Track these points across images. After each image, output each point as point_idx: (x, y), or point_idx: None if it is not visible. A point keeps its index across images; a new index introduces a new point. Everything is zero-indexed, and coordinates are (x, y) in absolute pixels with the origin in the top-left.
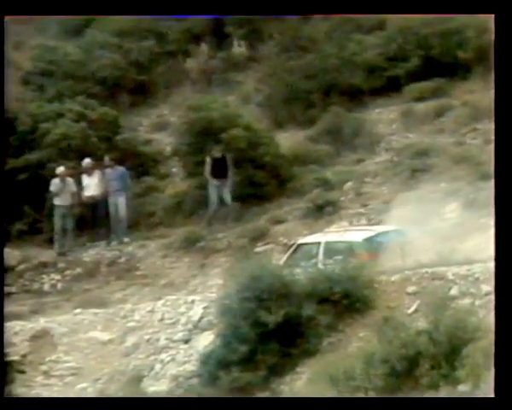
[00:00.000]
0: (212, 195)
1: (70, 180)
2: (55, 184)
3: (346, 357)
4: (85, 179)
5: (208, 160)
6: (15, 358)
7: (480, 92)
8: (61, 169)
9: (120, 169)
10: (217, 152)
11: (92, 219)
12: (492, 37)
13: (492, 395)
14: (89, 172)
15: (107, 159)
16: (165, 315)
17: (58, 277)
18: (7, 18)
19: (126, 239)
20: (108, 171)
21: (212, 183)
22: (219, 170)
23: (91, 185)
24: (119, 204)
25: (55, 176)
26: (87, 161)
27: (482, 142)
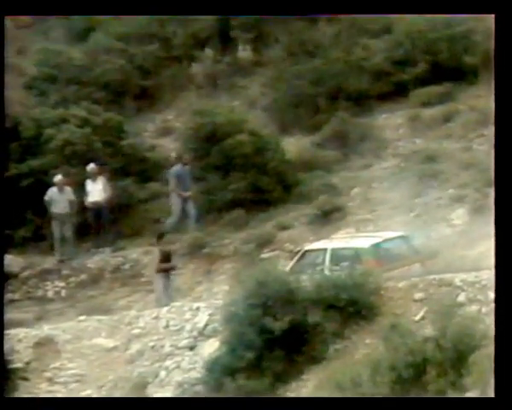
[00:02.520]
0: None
1: (68, 189)
2: (50, 192)
3: (352, 364)
4: (89, 185)
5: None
6: (19, 365)
7: (488, 97)
8: (58, 178)
9: (184, 167)
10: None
11: (96, 226)
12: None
13: (492, 395)
14: (93, 177)
15: (173, 155)
16: (170, 322)
17: (62, 283)
18: (10, 22)
19: (199, 234)
20: (173, 168)
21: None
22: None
23: (95, 191)
24: (186, 201)
25: (53, 181)
26: (92, 166)
27: (490, 147)
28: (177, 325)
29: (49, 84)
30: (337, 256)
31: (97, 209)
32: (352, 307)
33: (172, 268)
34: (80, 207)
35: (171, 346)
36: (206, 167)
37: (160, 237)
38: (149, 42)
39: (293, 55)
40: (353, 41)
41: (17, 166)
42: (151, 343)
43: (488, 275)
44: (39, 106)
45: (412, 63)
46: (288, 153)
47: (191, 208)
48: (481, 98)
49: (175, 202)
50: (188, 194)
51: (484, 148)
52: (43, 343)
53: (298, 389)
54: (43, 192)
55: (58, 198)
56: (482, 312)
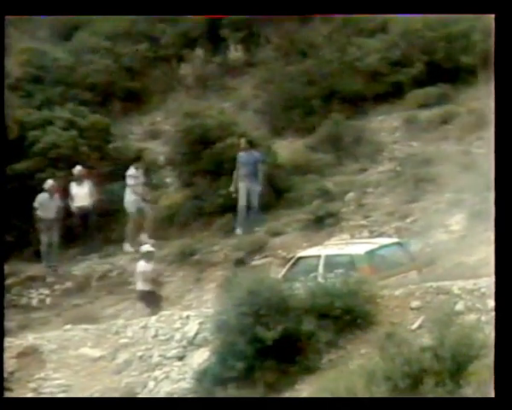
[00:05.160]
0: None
1: (56, 195)
2: (41, 198)
3: (347, 374)
4: (74, 188)
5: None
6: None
7: (487, 98)
8: (49, 183)
9: (255, 154)
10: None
11: (83, 231)
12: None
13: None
14: (79, 180)
15: (243, 141)
16: (159, 331)
17: (47, 291)
18: None
19: (257, 229)
20: (241, 154)
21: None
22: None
23: (81, 195)
24: (252, 191)
25: (43, 186)
26: (78, 169)
27: (489, 150)
28: (166, 334)
29: (33, 85)
30: (331, 263)
31: (84, 214)
32: (346, 315)
33: None
34: (66, 212)
35: (160, 356)
36: (196, 172)
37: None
38: (137, 41)
39: (286, 56)
40: (347, 40)
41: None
42: (139, 353)
43: (487, 282)
44: (23, 107)
45: (408, 63)
46: (281, 156)
47: (255, 201)
48: (480, 100)
49: (241, 192)
50: (257, 188)
51: (483, 151)
52: (28, 353)
53: None
54: (28, 196)
55: (48, 204)
56: (481, 320)
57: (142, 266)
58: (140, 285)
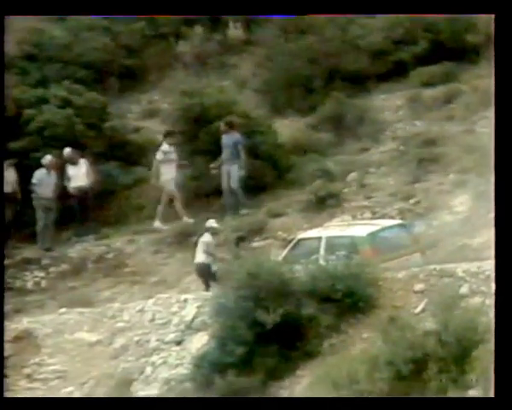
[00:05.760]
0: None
1: (54, 172)
2: (39, 174)
3: (348, 360)
4: (70, 169)
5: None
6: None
7: (491, 77)
8: (48, 158)
9: (235, 135)
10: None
11: (80, 212)
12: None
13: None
14: (73, 161)
15: (222, 123)
16: (157, 315)
17: (42, 274)
18: None
19: (244, 211)
20: (223, 136)
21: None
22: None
23: (78, 175)
24: (231, 173)
25: (39, 165)
26: (67, 151)
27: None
28: (164, 318)
29: (29, 63)
30: (332, 245)
31: (81, 195)
32: (348, 298)
33: None
34: (62, 193)
35: (158, 340)
36: (194, 151)
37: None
38: (134, 19)
39: (287, 33)
40: (350, 18)
41: None
42: (136, 338)
43: (492, 265)
44: (19, 85)
45: (412, 42)
46: (281, 136)
47: (235, 184)
48: (484, 78)
49: (222, 176)
50: (236, 170)
51: (487, 130)
52: (22, 337)
53: (291, 386)
54: (23, 176)
55: (46, 180)
56: (486, 304)
57: (206, 236)
58: (199, 257)
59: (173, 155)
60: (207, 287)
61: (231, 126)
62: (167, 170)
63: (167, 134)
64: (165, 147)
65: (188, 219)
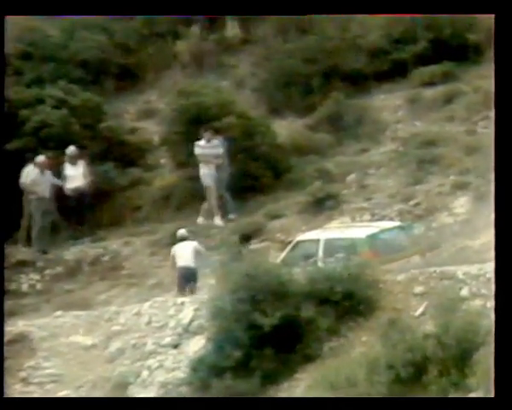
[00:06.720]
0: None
1: (48, 172)
2: (32, 174)
3: (348, 363)
4: (69, 169)
5: None
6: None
7: (493, 77)
8: (41, 158)
9: (215, 141)
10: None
11: (77, 214)
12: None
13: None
14: (73, 161)
15: (202, 129)
16: (153, 318)
17: (37, 276)
18: None
19: (231, 216)
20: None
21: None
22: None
23: (76, 176)
24: (220, 179)
25: (34, 161)
26: (72, 149)
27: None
28: (160, 321)
29: (23, 62)
30: (331, 247)
31: (78, 196)
32: (347, 301)
33: None
34: (58, 194)
35: (154, 344)
36: (192, 152)
37: None
38: (131, 17)
39: (285, 32)
40: (349, 17)
41: None
42: (132, 341)
43: (493, 267)
44: (13, 85)
45: (412, 41)
46: (279, 136)
47: (221, 189)
48: (486, 78)
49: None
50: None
51: (488, 131)
52: (18, 340)
53: (290, 389)
54: (18, 177)
55: (40, 180)
56: (487, 306)
57: (194, 243)
58: (187, 261)
59: (208, 151)
60: (182, 291)
61: (216, 132)
62: (204, 165)
63: (205, 129)
64: (202, 143)
65: (219, 222)
